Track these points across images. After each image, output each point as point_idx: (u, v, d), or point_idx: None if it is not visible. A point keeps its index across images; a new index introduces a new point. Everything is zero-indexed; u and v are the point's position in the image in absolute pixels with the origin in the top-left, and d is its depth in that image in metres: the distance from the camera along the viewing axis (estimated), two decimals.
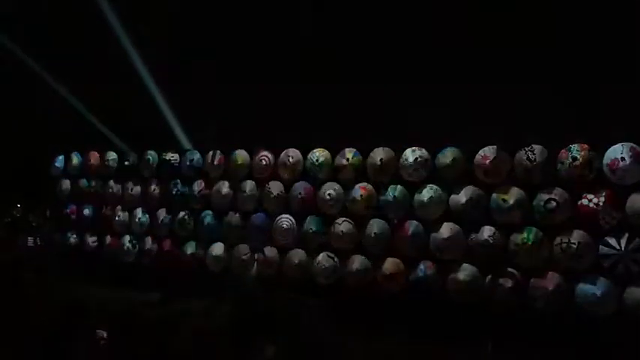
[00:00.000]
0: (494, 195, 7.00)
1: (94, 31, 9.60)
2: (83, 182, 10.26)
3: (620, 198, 6.35)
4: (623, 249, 6.25)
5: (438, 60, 7.48)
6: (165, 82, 9.52)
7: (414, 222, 7.43)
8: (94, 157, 10.22)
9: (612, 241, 6.32)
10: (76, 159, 10.39)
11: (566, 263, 6.54)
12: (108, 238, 9.86)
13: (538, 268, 6.71)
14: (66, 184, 10.41)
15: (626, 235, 6.25)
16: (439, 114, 7.33)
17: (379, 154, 7.74)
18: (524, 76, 6.97)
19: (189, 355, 4.04)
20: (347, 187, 7.97)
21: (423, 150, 7.51)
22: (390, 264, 7.53)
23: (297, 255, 8.19)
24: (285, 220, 8.32)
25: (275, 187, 8.45)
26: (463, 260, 7.11)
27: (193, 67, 9.07)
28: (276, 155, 8.57)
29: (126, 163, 9.71)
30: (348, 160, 7.96)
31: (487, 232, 6.97)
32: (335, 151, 8.14)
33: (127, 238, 9.65)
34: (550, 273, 6.63)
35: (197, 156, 9.25)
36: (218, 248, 8.84)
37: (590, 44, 6.65)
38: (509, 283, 6.79)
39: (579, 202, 6.55)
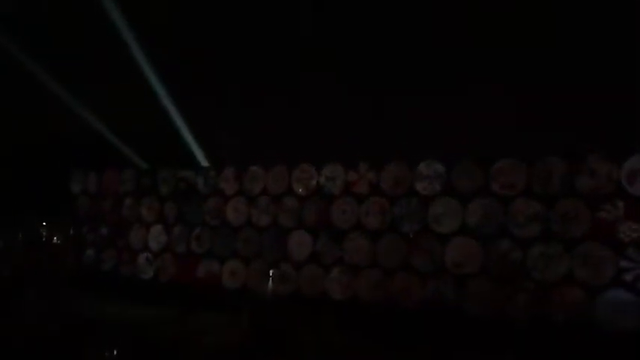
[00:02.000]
0: (510, 207, 6.91)
1: (115, 50, 9.75)
2: (101, 201, 10.38)
3: None
4: None
5: (453, 72, 7.48)
6: (182, 102, 9.64)
7: (429, 235, 7.37)
8: (112, 175, 10.35)
9: (633, 254, 6.19)
10: (94, 177, 10.53)
11: (585, 276, 6.41)
12: (125, 255, 9.93)
13: (557, 281, 6.59)
14: (84, 202, 10.55)
15: None
16: (454, 126, 7.31)
17: (394, 168, 7.75)
18: (542, 88, 6.93)
19: None
20: (361, 201, 7.95)
21: (438, 163, 7.48)
22: (405, 278, 7.46)
23: (312, 270, 8.16)
24: (300, 235, 8.33)
25: (289, 202, 8.48)
26: (480, 274, 7.01)
27: (210, 86, 9.18)
28: (291, 170, 8.59)
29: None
30: (362, 174, 7.97)
31: (505, 245, 6.88)
32: (349, 165, 8.14)
33: (144, 255, 9.71)
34: (569, 286, 6.50)
35: (212, 173, 9.32)
36: (234, 264, 8.85)
37: (608, 57, 6.61)
38: (527, 296, 6.68)
39: (598, 215, 6.44)
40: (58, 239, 11.24)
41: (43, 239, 11.25)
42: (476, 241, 7.08)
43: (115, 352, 4.91)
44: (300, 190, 8.42)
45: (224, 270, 8.89)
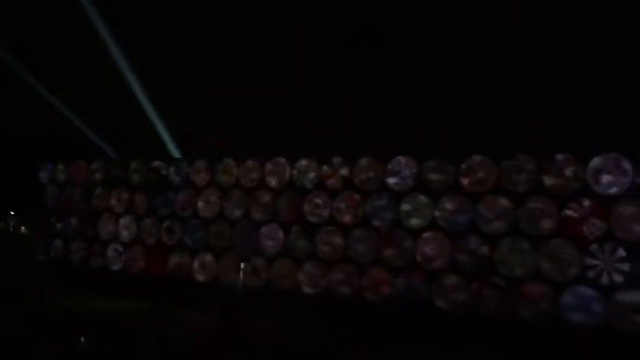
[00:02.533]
0: (480, 205, 7.01)
1: (84, 39, 9.56)
2: (70, 191, 10.21)
3: (605, 208, 6.38)
4: (606, 259, 6.28)
5: (426, 70, 7.52)
6: (153, 92, 9.50)
7: (400, 231, 7.44)
8: (82, 165, 10.18)
9: (597, 251, 6.34)
10: (62, 168, 10.34)
11: (551, 273, 6.55)
12: (94, 246, 9.79)
13: (524, 277, 6.71)
14: (53, 192, 10.36)
15: (610, 245, 6.28)
16: (426, 123, 7.36)
17: (366, 164, 7.79)
18: (512, 87, 7.01)
19: None
20: (334, 196, 7.97)
21: (410, 159, 7.54)
22: (376, 273, 7.52)
23: (284, 263, 8.16)
24: (273, 229, 8.32)
25: (262, 196, 8.47)
26: (449, 269, 7.10)
27: (182, 77, 9.07)
28: (264, 164, 8.56)
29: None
30: (335, 169, 8.00)
31: (473, 241, 6.99)
32: (322, 160, 8.15)
33: (114, 246, 9.59)
34: (536, 282, 6.63)
35: (184, 164, 9.24)
36: (205, 257, 8.80)
37: (580, 57, 6.72)
38: (494, 292, 6.80)
39: (564, 213, 6.58)
40: (26, 229, 11.03)
41: (11, 229, 11.03)
42: (446, 236, 7.17)
43: (83, 344, 4.85)
44: (274, 184, 8.40)
45: (195, 263, 8.83)
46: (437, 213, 7.24)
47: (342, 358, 5.20)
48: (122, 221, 9.63)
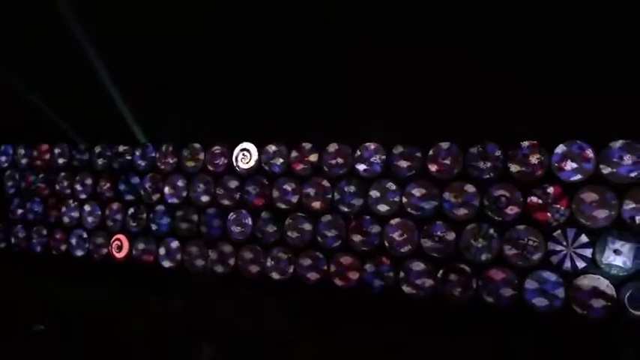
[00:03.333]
0: (446, 192, 7.06)
1: (50, 22, 9.25)
2: (31, 176, 9.95)
3: (568, 195, 6.48)
4: (570, 245, 6.39)
5: (395, 55, 7.49)
6: (117, 73, 9.26)
7: (368, 217, 7.44)
8: (43, 149, 9.92)
9: (560, 237, 6.45)
10: (23, 151, 10.06)
11: (516, 259, 6.64)
12: (56, 233, 9.56)
13: (489, 263, 6.79)
14: (13, 177, 10.07)
15: (574, 231, 6.39)
16: (394, 110, 7.35)
17: (334, 149, 7.76)
18: (479, 72, 7.03)
19: (135, 351, 3.92)
20: (302, 181, 7.92)
21: (379, 145, 7.53)
22: (344, 259, 7.52)
23: (252, 250, 8.10)
24: (240, 215, 8.24)
25: (230, 182, 8.36)
26: (416, 256, 7.14)
27: (148, 59, 8.85)
28: (231, 149, 8.46)
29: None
30: (304, 154, 7.94)
31: (439, 227, 7.04)
32: (291, 145, 8.09)
33: (77, 233, 9.38)
34: (500, 268, 6.71)
35: (150, 149, 9.07)
36: (171, 244, 8.67)
37: (544, 40, 6.77)
38: (460, 278, 6.87)
39: (529, 199, 6.66)
40: None
41: None
42: (413, 223, 7.20)
43: (42, 331, 4.72)
44: (240, 169, 8.31)
45: (160, 249, 8.70)
46: (404, 199, 7.26)
47: (307, 345, 5.19)
48: (86, 207, 9.42)
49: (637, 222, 6.15)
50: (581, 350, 5.67)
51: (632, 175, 6.26)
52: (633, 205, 6.18)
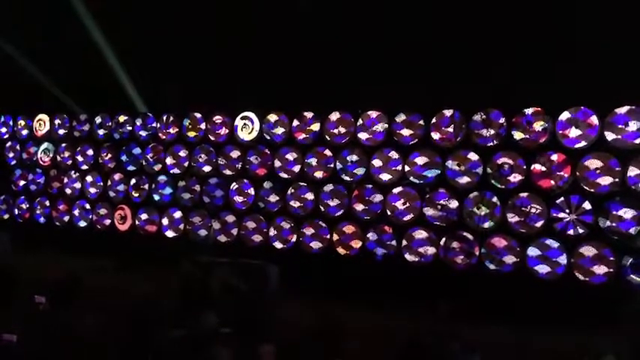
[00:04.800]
0: (449, 160, 7.02)
1: None
2: (32, 147, 9.92)
3: (572, 162, 6.44)
4: (573, 212, 6.38)
5: (397, 25, 7.37)
6: (117, 44, 9.14)
7: (371, 186, 7.43)
8: (44, 120, 9.88)
9: (563, 205, 6.43)
10: (23, 122, 10.02)
11: (519, 226, 6.63)
12: (60, 205, 9.58)
13: (492, 230, 6.78)
14: (14, 149, 10.06)
15: (577, 198, 6.37)
16: (395, 76, 7.25)
17: (336, 117, 7.71)
18: (480, 43, 6.92)
19: (138, 322, 3.94)
20: (304, 151, 7.88)
21: (381, 114, 7.47)
22: (347, 228, 7.53)
23: (255, 220, 8.11)
24: (243, 185, 8.23)
25: (232, 152, 8.33)
26: (418, 223, 7.13)
27: (147, 29, 8.71)
28: (232, 119, 8.40)
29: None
30: (305, 123, 7.90)
31: (442, 195, 7.02)
32: (292, 114, 8.02)
33: (80, 204, 9.40)
34: (503, 235, 6.71)
35: (151, 119, 9.01)
36: (174, 214, 8.68)
37: (542, 12, 6.64)
38: (463, 246, 6.88)
39: (533, 167, 6.62)
40: None
41: None
42: (416, 192, 7.18)
43: (45, 302, 4.71)
44: (243, 138, 8.26)
45: (163, 219, 8.72)
46: (407, 168, 7.23)
47: (309, 312, 5.21)
48: (88, 178, 9.42)
49: None
50: (582, 316, 5.69)
51: (638, 141, 6.21)
52: (638, 172, 6.15)
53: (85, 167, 9.47)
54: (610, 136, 6.31)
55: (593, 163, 6.34)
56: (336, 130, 7.72)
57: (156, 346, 3.41)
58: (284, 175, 7.99)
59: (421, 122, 7.24)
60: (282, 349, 4.12)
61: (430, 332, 3.95)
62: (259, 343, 4.01)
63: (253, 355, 3.89)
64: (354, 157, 7.54)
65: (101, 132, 9.39)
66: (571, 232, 6.41)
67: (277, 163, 8.03)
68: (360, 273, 7.26)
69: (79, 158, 9.51)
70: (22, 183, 9.96)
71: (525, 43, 6.74)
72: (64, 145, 9.69)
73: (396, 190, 7.28)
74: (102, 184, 9.29)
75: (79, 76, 9.34)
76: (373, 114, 7.50)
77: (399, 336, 3.62)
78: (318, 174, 7.77)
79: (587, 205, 6.33)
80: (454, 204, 6.97)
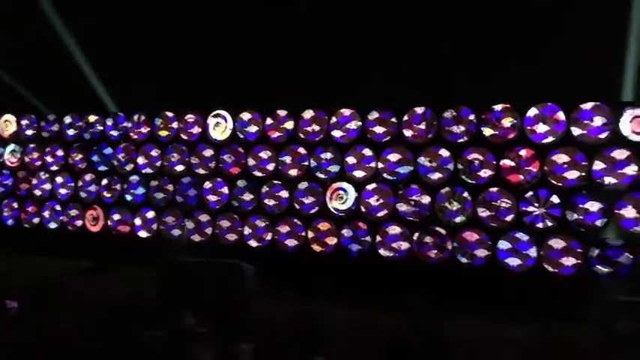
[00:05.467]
0: (421, 156, 7.13)
1: None
2: None
3: (540, 157, 6.61)
4: (541, 205, 6.55)
5: (370, 24, 7.44)
6: (87, 42, 9.00)
7: (345, 183, 7.49)
8: (10, 121, 9.68)
9: (532, 199, 6.60)
10: None
11: (489, 220, 6.78)
12: (29, 207, 9.40)
13: (463, 225, 6.92)
14: None
15: (545, 192, 6.54)
16: (367, 74, 7.33)
17: (310, 115, 7.75)
18: (450, 41, 7.04)
19: (114, 322, 3.93)
20: (278, 149, 7.90)
21: (354, 111, 7.54)
22: (322, 225, 7.58)
23: (229, 219, 8.10)
24: (216, 184, 8.21)
25: (204, 150, 8.31)
26: (392, 219, 7.23)
27: (116, 26, 8.60)
28: (205, 117, 8.36)
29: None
30: (279, 121, 7.92)
31: (414, 191, 7.13)
32: (265, 112, 8.03)
33: (50, 205, 9.24)
34: (475, 229, 6.85)
35: (121, 119, 8.91)
36: (147, 214, 8.61)
37: (510, 10, 6.79)
38: (436, 240, 6.99)
39: (502, 162, 6.77)
40: None
41: None
42: (389, 188, 7.27)
43: (17, 306, 4.66)
44: (216, 137, 8.24)
45: (136, 220, 8.64)
46: (380, 165, 7.32)
47: (287, 311, 5.25)
48: (58, 179, 9.26)
49: (606, 182, 6.33)
50: (552, 307, 5.85)
51: (602, 136, 6.40)
52: (603, 166, 6.35)
53: (54, 168, 9.30)
54: (576, 131, 6.49)
55: (561, 158, 6.53)
56: (309, 128, 7.76)
57: (134, 347, 3.41)
58: (258, 174, 8.00)
59: (393, 120, 7.33)
60: (259, 348, 4.16)
61: (408, 327, 4.04)
62: (237, 342, 4.05)
63: (231, 354, 3.92)
64: (329, 155, 7.60)
65: (71, 132, 9.24)
66: (540, 225, 6.58)
67: (251, 162, 8.03)
68: (336, 270, 7.33)
69: (49, 159, 9.34)
70: None
71: (494, 41, 6.89)
72: (32, 145, 9.50)
73: (369, 187, 7.36)
74: (73, 184, 9.14)
75: (46, 75, 9.17)
76: (346, 112, 7.57)
77: (377, 332, 3.69)
78: (293, 172, 7.80)
79: (555, 199, 6.51)
80: (426, 199, 7.08)
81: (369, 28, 7.43)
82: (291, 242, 7.73)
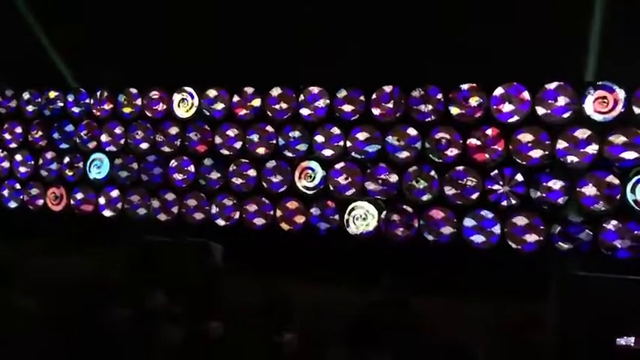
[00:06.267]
0: (389, 135, 7.15)
1: None
2: None
3: (505, 136, 6.71)
4: (506, 184, 6.67)
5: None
6: (46, 14, 8.66)
7: (314, 162, 7.47)
8: None
9: (497, 177, 6.71)
10: None
11: (455, 198, 6.87)
12: None
13: (430, 203, 7.00)
14: None
15: (510, 170, 6.66)
16: (338, 51, 7.28)
17: (277, 93, 7.67)
18: (418, 21, 7.04)
19: (84, 302, 3.85)
20: (245, 127, 7.82)
21: (323, 89, 7.49)
22: (290, 204, 7.57)
23: (196, 197, 8.00)
24: (182, 162, 8.08)
25: (170, 128, 8.15)
26: (359, 198, 7.26)
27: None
28: (170, 94, 8.19)
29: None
30: (246, 99, 7.81)
31: (382, 170, 7.17)
32: (232, 89, 7.92)
33: (9, 184, 8.96)
34: (441, 207, 6.94)
35: (83, 95, 8.66)
36: (110, 192, 8.43)
37: None
38: (403, 218, 7.07)
39: (469, 141, 6.85)
40: None
41: None
42: (358, 167, 7.29)
43: None
44: (182, 115, 8.08)
45: (99, 199, 8.46)
46: (349, 143, 7.32)
47: (255, 289, 5.24)
48: (17, 157, 8.97)
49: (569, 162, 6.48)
50: (515, 282, 6.00)
51: (566, 115, 6.54)
52: (566, 145, 6.49)
53: (13, 145, 9.00)
54: (541, 110, 6.61)
55: (525, 137, 6.64)
56: (277, 106, 7.69)
57: (103, 326, 3.36)
58: (225, 152, 7.91)
59: (362, 98, 7.32)
60: (229, 326, 4.15)
61: (377, 304, 4.08)
62: (207, 320, 4.02)
63: (201, 333, 3.90)
64: (297, 133, 7.55)
65: (30, 108, 8.94)
66: (504, 203, 6.71)
67: (218, 140, 7.93)
68: (304, 248, 7.34)
69: (7, 136, 9.03)
70: None
71: (461, 22, 6.92)
72: None
73: (338, 166, 7.36)
74: (33, 162, 8.87)
75: (2, 48, 8.80)
76: (315, 90, 7.52)
77: (346, 308, 3.72)
78: (260, 150, 7.74)
79: (519, 177, 6.65)
80: (394, 178, 7.13)
81: (338, 6, 7.35)
82: (259, 221, 7.70)
